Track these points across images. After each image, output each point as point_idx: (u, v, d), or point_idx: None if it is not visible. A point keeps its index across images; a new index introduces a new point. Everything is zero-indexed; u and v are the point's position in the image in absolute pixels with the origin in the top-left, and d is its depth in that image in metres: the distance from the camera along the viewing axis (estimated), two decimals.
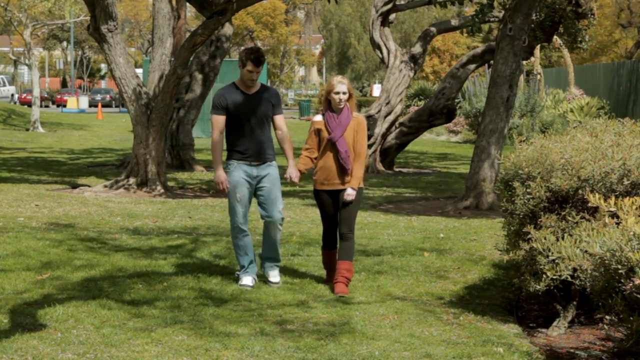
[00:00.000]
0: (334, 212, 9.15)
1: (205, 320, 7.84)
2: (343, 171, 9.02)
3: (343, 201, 9.02)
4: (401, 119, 24.45)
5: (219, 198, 17.16)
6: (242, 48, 9.15)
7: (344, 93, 9.03)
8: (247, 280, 9.20)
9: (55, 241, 11.36)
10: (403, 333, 7.55)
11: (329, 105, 9.13)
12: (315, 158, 9.20)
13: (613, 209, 5.89)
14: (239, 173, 9.15)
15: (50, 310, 7.99)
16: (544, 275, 7.14)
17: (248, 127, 9.14)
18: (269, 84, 9.76)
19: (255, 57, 9.08)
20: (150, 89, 18.75)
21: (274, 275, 9.36)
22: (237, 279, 9.31)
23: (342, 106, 9.03)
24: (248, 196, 9.18)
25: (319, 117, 9.23)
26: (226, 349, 6.99)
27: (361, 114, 9.06)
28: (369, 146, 20.44)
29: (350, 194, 9.01)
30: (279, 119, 9.33)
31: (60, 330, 7.41)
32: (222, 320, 7.88)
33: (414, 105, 42.94)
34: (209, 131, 37.48)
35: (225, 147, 9.27)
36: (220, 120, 9.19)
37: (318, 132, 9.13)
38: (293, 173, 9.15)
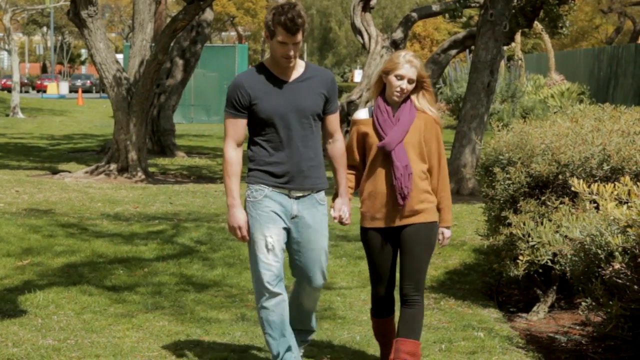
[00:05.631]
0: (392, 262, 6.04)
1: (186, 306, 7.84)
2: (404, 198, 5.89)
3: (409, 245, 5.93)
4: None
5: (200, 184, 17.15)
6: (270, 8, 5.76)
7: (410, 81, 5.90)
8: None
9: (36, 227, 11.31)
10: None
11: (381, 92, 6.04)
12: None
13: (594, 194, 5.91)
14: (272, 205, 5.74)
15: (31, 296, 7.97)
16: (520, 260, 7.17)
17: (286, 135, 5.71)
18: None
19: (288, 19, 5.55)
20: (130, 75, 18.71)
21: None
22: None
23: (399, 99, 5.93)
24: (281, 243, 5.79)
25: (364, 114, 6.07)
26: (207, 335, 7.00)
27: (435, 110, 6.05)
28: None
29: (447, 236, 6.08)
30: (332, 121, 5.91)
31: (41, 316, 7.39)
32: (203, 305, 7.88)
33: None
34: (190, 117, 37.41)
35: (249, 163, 5.89)
36: (237, 126, 5.76)
37: (364, 137, 6.01)
38: (346, 212, 5.93)
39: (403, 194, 5.83)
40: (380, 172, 5.90)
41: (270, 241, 5.70)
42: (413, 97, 5.96)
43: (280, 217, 5.74)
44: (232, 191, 5.70)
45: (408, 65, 5.87)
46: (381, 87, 6.01)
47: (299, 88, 5.73)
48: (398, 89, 5.87)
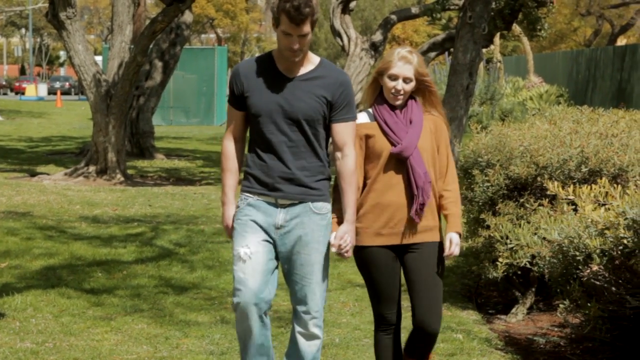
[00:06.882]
0: (399, 282, 5.33)
1: (165, 309, 7.82)
2: (422, 210, 5.20)
3: (427, 273, 5.30)
4: (361, 107, 24.47)
5: (179, 186, 17.12)
6: None
7: (406, 80, 5.17)
8: None
9: (14, 230, 11.27)
10: (363, 320, 7.56)
11: (378, 95, 5.33)
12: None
13: (571, 197, 5.94)
14: (252, 214, 5.04)
15: (9, 299, 7.93)
16: (499, 262, 7.19)
17: (274, 138, 5.00)
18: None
19: (292, 6, 4.78)
20: (109, 77, 18.66)
21: None
22: None
23: (399, 102, 5.20)
24: (264, 255, 5.01)
25: (362, 117, 5.34)
26: (186, 337, 6.98)
27: (443, 113, 5.43)
28: None
29: (456, 242, 5.31)
30: (340, 132, 5.08)
31: (19, 319, 7.36)
32: (182, 308, 7.86)
33: None
34: (169, 119, 37.32)
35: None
36: (234, 117, 5.13)
37: (367, 143, 5.23)
38: (348, 242, 5.03)
39: (423, 202, 5.13)
40: (391, 182, 5.13)
41: (247, 252, 4.95)
42: (419, 101, 5.28)
43: (262, 228, 5.00)
44: (224, 187, 5.12)
45: (402, 62, 5.12)
46: (377, 91, 5.30)
47: (298, 87, 4.97)
48: (393, 91, 5.14)
